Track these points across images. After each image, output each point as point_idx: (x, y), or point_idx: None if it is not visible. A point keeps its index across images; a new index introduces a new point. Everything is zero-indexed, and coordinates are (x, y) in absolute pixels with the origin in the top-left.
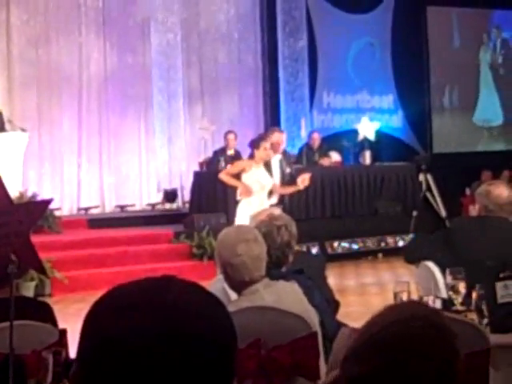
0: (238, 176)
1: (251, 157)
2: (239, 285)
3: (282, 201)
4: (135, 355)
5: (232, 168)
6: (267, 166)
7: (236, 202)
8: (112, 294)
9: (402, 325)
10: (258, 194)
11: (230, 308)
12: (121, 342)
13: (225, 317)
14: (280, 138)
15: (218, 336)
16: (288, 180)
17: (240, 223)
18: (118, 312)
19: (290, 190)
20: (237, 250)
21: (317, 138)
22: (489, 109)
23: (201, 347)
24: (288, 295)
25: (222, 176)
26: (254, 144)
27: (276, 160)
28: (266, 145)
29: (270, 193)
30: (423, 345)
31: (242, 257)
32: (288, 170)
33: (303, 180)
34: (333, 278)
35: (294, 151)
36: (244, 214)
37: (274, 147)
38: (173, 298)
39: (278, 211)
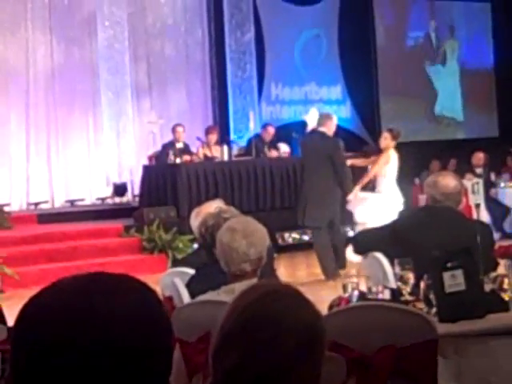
0: None
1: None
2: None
3: None
4: (57, 364)
5: None
6: None
7: None
8: (37, 300)
9: (255, 306)
10: None
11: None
12: (44, 350)
13: (153, 319)
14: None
15: (143, 341)
16: None
17: None
18: (40, 319)
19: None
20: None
21: (271, 132)
22: (447, 99)
23: (124, 353)
24: None
25: None
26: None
27: None
28: None
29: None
30: (281, 319)
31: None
32: None
33: None
34: (283, 268)
35: (243, 143)
36: None
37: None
38: (95, 302)
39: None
